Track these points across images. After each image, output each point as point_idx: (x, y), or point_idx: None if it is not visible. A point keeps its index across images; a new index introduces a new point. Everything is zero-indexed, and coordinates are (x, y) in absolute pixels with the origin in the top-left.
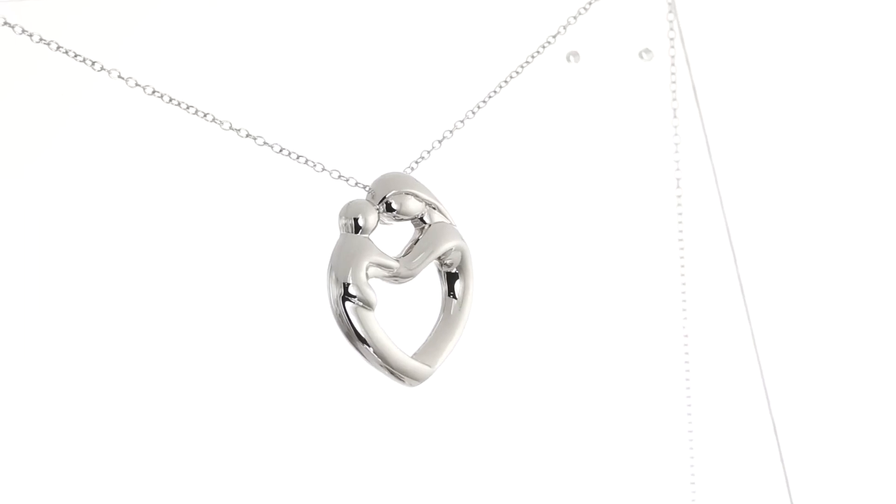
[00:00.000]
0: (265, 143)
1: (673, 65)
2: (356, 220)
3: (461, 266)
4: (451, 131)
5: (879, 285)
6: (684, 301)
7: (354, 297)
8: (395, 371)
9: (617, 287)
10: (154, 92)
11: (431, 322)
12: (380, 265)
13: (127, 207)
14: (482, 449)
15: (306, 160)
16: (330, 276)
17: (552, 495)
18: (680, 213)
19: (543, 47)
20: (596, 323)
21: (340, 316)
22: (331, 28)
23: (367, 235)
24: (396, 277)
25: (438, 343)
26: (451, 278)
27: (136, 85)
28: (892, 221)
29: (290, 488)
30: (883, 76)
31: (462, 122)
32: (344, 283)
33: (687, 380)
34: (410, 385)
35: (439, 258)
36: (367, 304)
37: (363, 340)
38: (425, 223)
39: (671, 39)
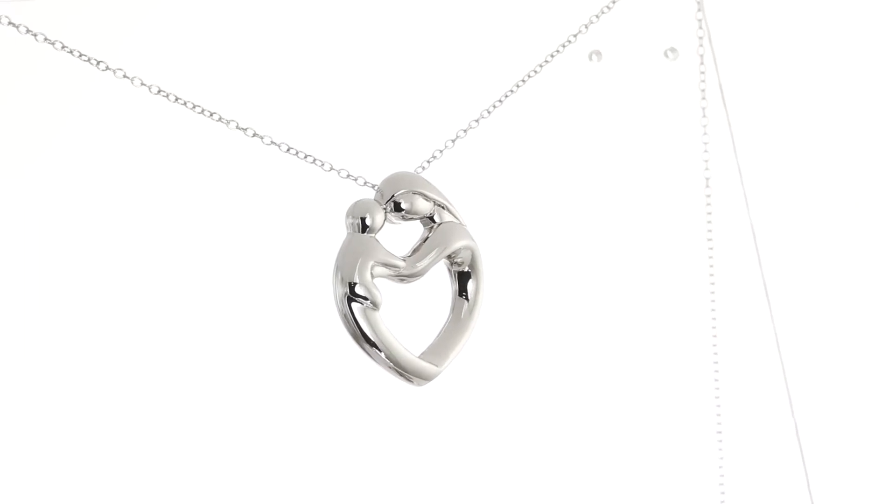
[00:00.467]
0: (272, 142)
1: (702, 63)
2: (363, 219)
3: (472, 265)
4: (465, 130)
5: None
6: (713, 301)
7: (360, 296)
8: (401, 370)
9: (643, 289)
10: (159, 91)
11: (438, 322)
12: (386, 265)
13: (133, 207)
14: (491, 450)
15: (314, 159)
16: (336, 275)
17: (573, 497)
18: (709, 213)
19: (564, 46)
20: (619, 325)
21: (346, 315)
22: (342, 26)
23: (373, 235)
24: (403, 277)
25: (447, 343)
26: (462, 278)
27: (142, 84)
28: None
29: (295, 488)
30: None
31: (477, 121)
32: (349, 283)
33: (716, 380)
34: (419, 385)
35: (449, 257)
36: (373, 304)
37: (368, 340)
38: (434, 222)
39: (700, 38)
